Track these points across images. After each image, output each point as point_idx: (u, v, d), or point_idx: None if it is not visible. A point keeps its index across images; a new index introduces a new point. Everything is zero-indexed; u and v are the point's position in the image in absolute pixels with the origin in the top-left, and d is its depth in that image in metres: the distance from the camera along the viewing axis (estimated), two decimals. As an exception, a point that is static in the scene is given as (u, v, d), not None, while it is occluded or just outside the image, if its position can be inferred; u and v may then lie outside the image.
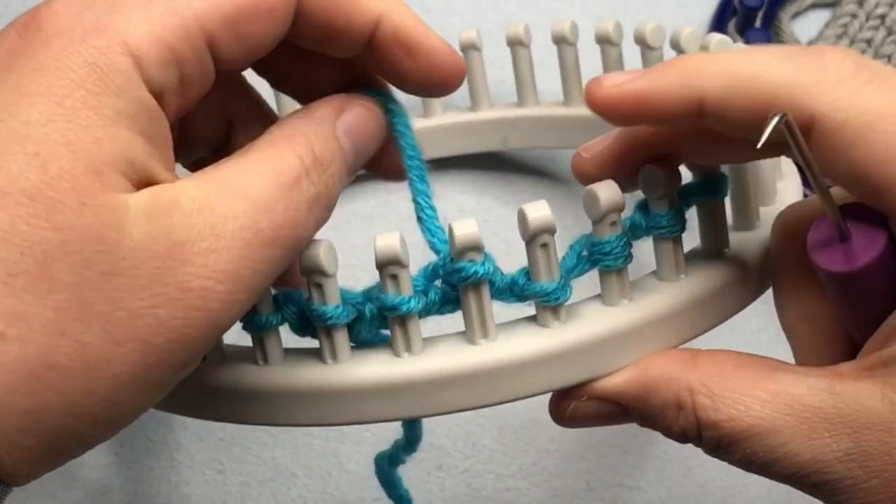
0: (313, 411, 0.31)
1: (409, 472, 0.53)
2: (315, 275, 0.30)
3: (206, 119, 0.35)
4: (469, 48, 0.54)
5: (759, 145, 0.28)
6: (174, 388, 0.28)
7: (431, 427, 0.54)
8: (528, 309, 0.32)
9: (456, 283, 0.31)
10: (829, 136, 0.28)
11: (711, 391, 0.30)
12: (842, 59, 0.29)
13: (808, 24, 0.60)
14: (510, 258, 0.32)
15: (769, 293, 0.35)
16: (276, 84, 0.36)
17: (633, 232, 0.32)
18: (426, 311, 0.31)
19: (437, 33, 0.32)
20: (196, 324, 0.27)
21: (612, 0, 0.61)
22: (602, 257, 0.31)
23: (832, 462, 0.29)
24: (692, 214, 0.34)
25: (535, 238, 0.30)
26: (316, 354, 0.32)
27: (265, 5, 0.29)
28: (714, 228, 0.34)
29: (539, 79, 0.54)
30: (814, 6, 0.61)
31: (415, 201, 0.34)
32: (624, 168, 0.32)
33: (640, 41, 0.49)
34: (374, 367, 0.31)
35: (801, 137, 0.28)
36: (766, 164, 0.36)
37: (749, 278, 0.34)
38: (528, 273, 0.31)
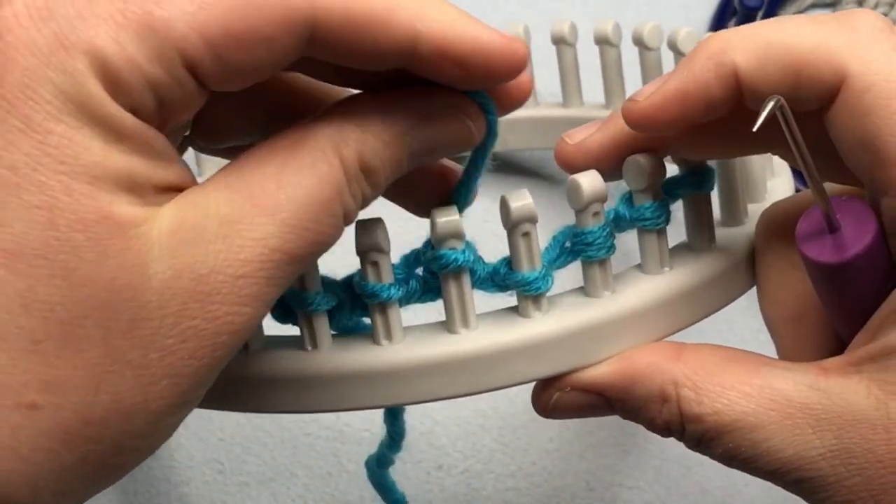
0: (291, 398, 0.31)
1: (409, 472, 0.53)
2: (372, 253, 0.30)
3: (232, 112, 0.32)
4: None
5: (754, 128, 0.28)
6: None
7: (431, 427, 0.54)
8: (511, 299, 0.32)
9: (436, 271, 0.31)
10: (854, 98, 0.28)
11: (696, 384, 0.30)
12: (873, 21, 0.29)
13: (807, 24, 0.60)
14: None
15: None
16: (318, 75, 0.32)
17: (617, 224, 0.32)
18: (406, 300, 0.31)
19: (483, 24, 0.28)
20: (223, 346, 0.26)
21: (611, 0, 0.61)
22: (585, 248, 0.31)
23: (815, 459, 0.29)
24: (680, 208, 0.34)
25: (516, 227, 0.30)
26: (295, 343, 0.31)
27: (262, 34, 0.26)
28: (700, 222, 0.34)
29: (538, 79, 0.54)
30: (814, 6, 0.61)
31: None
32: (609, 158, 0.32)
33: (638, 42, 0.49)
34: (354, 354, 0.31)
35: (795, 123, 0.28)
36: (756, 160, 0.36)
37: (735, 273, 0.34)
38: (509, 262, 0.31)
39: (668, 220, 0.32)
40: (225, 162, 0.29)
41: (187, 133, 0.33)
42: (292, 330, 0.32)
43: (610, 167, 0.32)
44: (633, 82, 0.52)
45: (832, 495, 0.29)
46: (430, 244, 0.31)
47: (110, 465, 0.26)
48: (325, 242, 0.27)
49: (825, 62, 0.28)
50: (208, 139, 0.33)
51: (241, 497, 0.54)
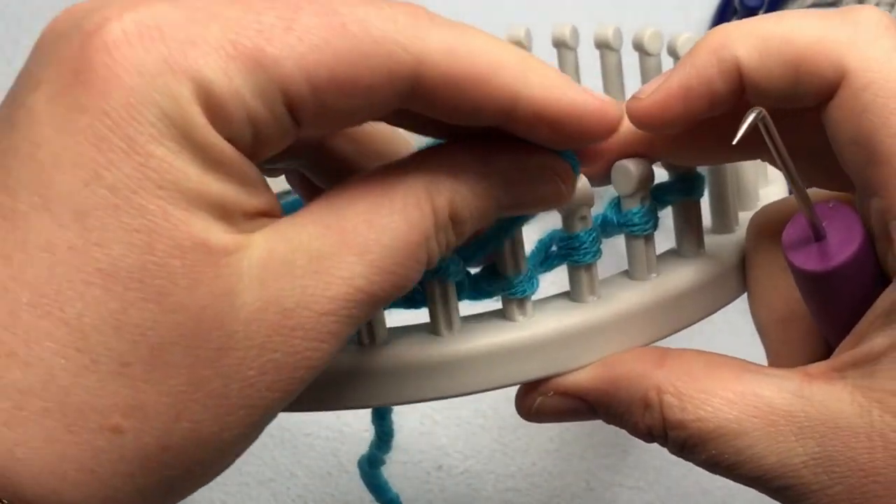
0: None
1: (409, 472, 0.53)
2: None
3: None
4: None
5: (734, 141, 0.27)
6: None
7: (431, 428, 0.54)
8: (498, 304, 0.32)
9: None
10: (853, 95, 0.28)
11: (679, 391, 0.30)
12: (877, 17, 0.28)
13: (808, 24, 0.60)
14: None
15: None
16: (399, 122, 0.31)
17: (605, 228, 0.32)
18: (393, 303, 0.31)
19: (579, 87, 0.28)
20: (300, 379, 0.26)
21: (612, 0, 0.61)
22: (571, 252, 0.31)
23: (797, 466, 0.29)
24: (669, 215, 0.34)
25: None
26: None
27: (365, 83, 0.25)
28: (688, 229, 0.34)
29: None
30: (814, 6, 0.61)
31: None
32: (598, 163, 0.32)
33: (639, 47, 0.49)
34: (345, 353, 0.31)
35: (777, 134, 0.28)
36: (748, 168, 0.36)
37: (724, 281, 0.34)
38: (494, 267, 0.31)
39: (655, 226, 0.32)
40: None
41: None
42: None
43: (599, 172, 0.32)
44: (633, 87, 0.52)
45: (815, 503, 0.29)
46: None
47: (175, 492, 0.26)
48: (405, 287, 0.27)
49: (825, 57, 0.28)
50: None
51: (241, 497, 0.54)
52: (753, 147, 0.29)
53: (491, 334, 0.31)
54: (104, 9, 0.25)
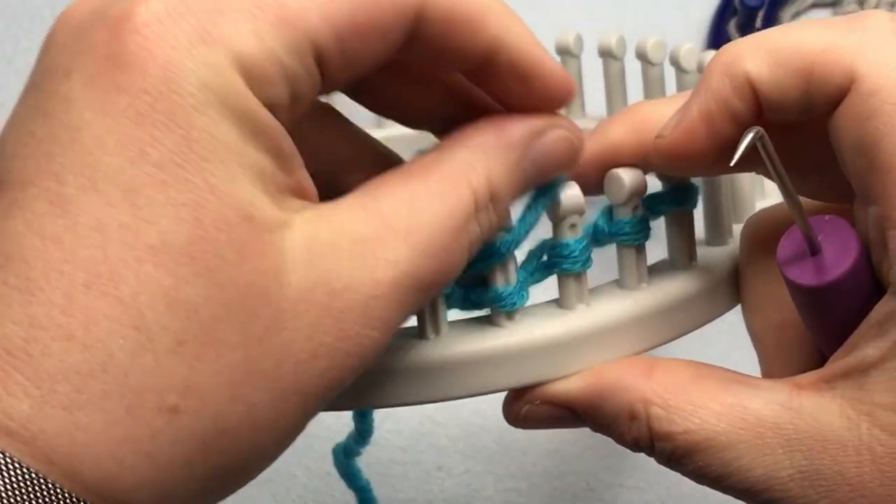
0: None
1: (409, 473, 0.53)
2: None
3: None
4: None
5: (731, 163, 0.27)
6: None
7: (431, 428, 0.54)
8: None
9: None
10: (861, 101, 0.27)
11: (667, 402, 0.30)
12: (885, 23, 0.28)
13: (808, 24, 0.60)
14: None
15: None
16: (373, 105, 0.33)
17: (596, 237, 0.32)
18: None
19: (549, 54, 0.29)
20: (350, 367, 0.26)
21: (612, 0, 0.61)
22: (560, 260, 0.31)
23: (784, 480, 0.28)
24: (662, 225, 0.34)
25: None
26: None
27: (381, 24, 0.26)
28: (680, 240, 0.33)
29: None
30: (814, 6, 0.61)
31: None
32: (592, 172, 0.32)
33: (642, 56, 0.49)
34: (479, 337, 0.31)
35: (775, 153, 0.28)
36: (745, 181, 0.36)
37: (715, 292, 0.33)
38: (485, 279, 0.31)
39: (647, 236, 0.32)
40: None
41: None
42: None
43: (592, 181, 0.32)
44: (635, 95, 0.52)
45: None
46: None
47: (230, 482, 0.26)
48: (450, 273, 0.27)
49: (835, 63, 0.28)
50: None
51: (241, 497, 0.54)
52: (750, 162, 0.29)
53: (478, 339, 0.31)
54: None
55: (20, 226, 0.24)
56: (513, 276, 0.31)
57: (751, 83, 0.29)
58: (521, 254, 0.32)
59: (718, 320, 0.34)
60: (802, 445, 0.28)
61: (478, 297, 0.31)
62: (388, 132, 0.45)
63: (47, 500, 0.22)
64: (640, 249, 0.32)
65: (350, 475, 0.42)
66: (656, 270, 0.33)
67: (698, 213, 0.34)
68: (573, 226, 0.31)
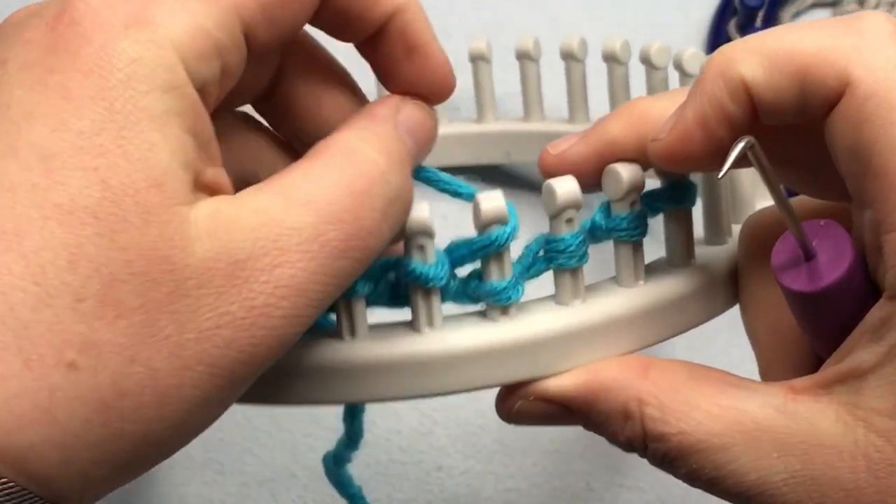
0: (338, 388, 0.31)
1: (409, 473, 0.53)
2: (419, 237, 0.30)
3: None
4: (478, 59, 0.53)
5: (720, 175, 0.28)
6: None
7: (431, 428, 0.54)
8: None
9: (403, 281, 0.31)
10: (855, 104, 0.27)
11: (662, 403, 0.30)
12: (881, 25, 0.28)
13: (808, 24, 0.60)
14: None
15: None
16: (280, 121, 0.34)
17: (593, 233, 0.32)
18: (374, 300, 0.31)
19: (440, 45, 0.31)
20: (262, 342, 0.26)
21: (612, 0, 0.61)
22: (557, 255, 0.31)
23: (778, 484, 0.28)
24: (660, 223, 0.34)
25: (486, 229, 0.30)
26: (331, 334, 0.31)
27: None
28: (678, 238, 0.33)
29: (545, 93, 0.54)
30: (814, 6, 0.61)
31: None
32: (590, 169, 0.32)
33: (645, 60, 0.49)
34: (316, 346, 0.30)
35: (767, 161, 0.28)
36: (744, 180, 0.36)
37: (713, 291, 0.33)
38: (480, 274, 0.31)
39: (644, 233, 0.32)
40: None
41: None
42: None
43: (591, 178, 0.32)
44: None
45: None
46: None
47: (136, 456, 0.26)
48: (366, 238, 0.27)
49: (830, 66, 0.28)
50: None
51: (240, 497, 0.54)
52: (747, 160, 0.29)
53: (472, 334, 0.31)
54: None
55: None
56: (508, 270, 0.31)
57: (746, 86, 0.28)
58: (515, 250, 0.32)
59: (720, 319, 0.34)
60: (797, 450, 0.28)
61: (473, 291, 0.31)
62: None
63: None
64: (638, 246, 0.32)
65: (341, 483, 0.42)
66: (654, 268, 0.33)
67: (697, 213, 0.34)
68: (570, 220, 0.31)
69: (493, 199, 0.30)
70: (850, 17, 0.29)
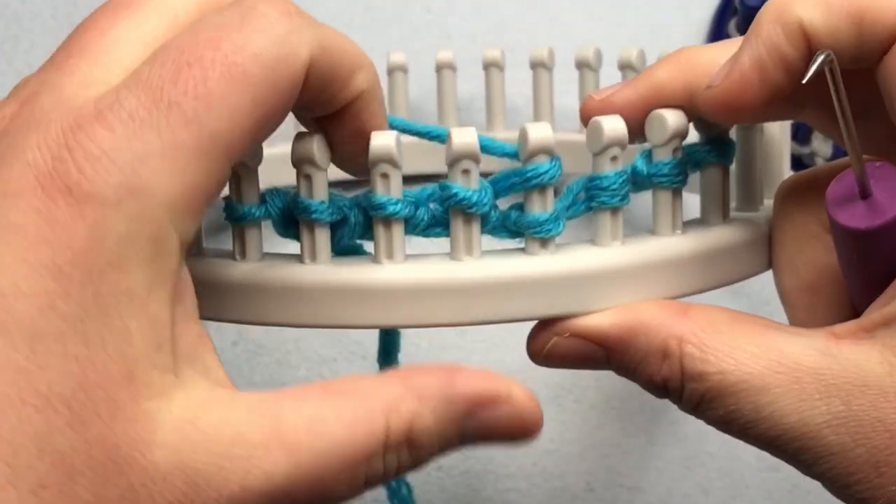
0: (287, 310, 0.31)
1: (409, 473, 0.53)
2: (305, 165, 0.30)
3: None
4: (491, 66, 0.53)
5: (804, 80, 0.27)
6: None
7: (431, 427, 0.54)
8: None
9: (446, 206, 0.31)
10: None
11: (702, 342, 0.29)
12: None
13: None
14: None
15: None
16: None
17: (634, 179, 0.32)
18: (413, 227, 0.31)
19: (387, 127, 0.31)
20: None
21: (612, 0, 0.61)
22: (599, 193, 0.31)
23: (819, 426, 0.28)
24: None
25: (531, 159, 0.30)
26: (295, 256, 0.31)
27: (283, 109, 0.27)
28: (715, 195, 0.33)
29: (557, 102, 0.54)
30: (814, 6, 0.61)
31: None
32: (635, 115, 0.31)
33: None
34: (351, 270, 0.30)
35: (841, 80, 0.27)
36: (775, 156, 0.36)
37: (747, 251, 0.33)
38: (521, 206, 0.31)
39: (684, 181, 0.32)
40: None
41: None
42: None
43: (636, 124, 0.31)
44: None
45: (832, 467, 0.28)
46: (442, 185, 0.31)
47: None
48: (332, 499, 0.26)
49: (887, 6, 0.27)
50: None
51: (240, 497, 0.54)
52: (801, 103, 0.28)
53: (510, 264, 0.30)
54: (47, 150, 0.25)
55: None
56: (550, 203, 0.31)
57: (803, 29, 0.28)
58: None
59: (738, 292, 0.34)
60: (840, 391, 0.28)
61: (514, 223, 0.31)
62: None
63: None
64: (677, 194, 0.32)
65: None
66: (689, 225, 0.33)
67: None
68: (614, 158, 0.31)
69: (540, 129, 0.30)
70: None
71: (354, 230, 0.31)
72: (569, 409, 0.54)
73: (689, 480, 0.54)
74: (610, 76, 0.50)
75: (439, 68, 0.53)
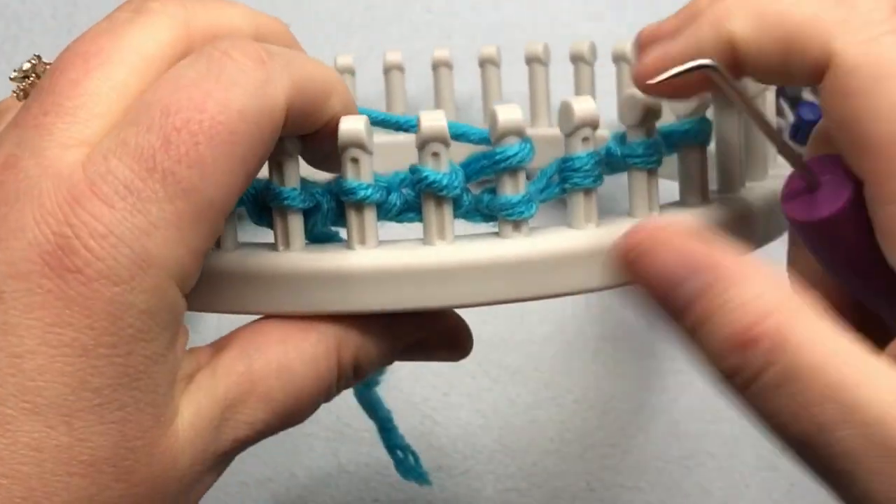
0: (262, 298, 0.31)
1: (409, 473, 0.53)
2: (275, 154, 0.30)
3: None
4: (487, 62, 0.53)
5: (655, 80, 0.28)
6: None
7: (431, 428, 0.54)
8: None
9: (417, 190, 0.31)
10: (840, 78, 0.27)
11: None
12: (874, 2, 0.28)
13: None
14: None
15: None
16: None
17: (608, 161, 0.31)
18: (385, 213, 0.31)
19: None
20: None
21: (611, 0, 0.61)
22: (571, 174, 0.31)
23: None
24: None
25: (501, 140, 0.30)
26: (269, 244, 0.31)
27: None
28: (693, 176, 0.33)
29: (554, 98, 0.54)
30: None
31: None
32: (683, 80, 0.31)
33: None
34: (324, 256, 0.30)
35: (738, 85, 0.28)
36: (756, 136, 0.36)
37: (725, 233, 0.32)
38: (494, 190, 0.31)
39: (659, 162, 0.32)
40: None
41: None
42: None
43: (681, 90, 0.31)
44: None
45: (871, 490, 0.25)
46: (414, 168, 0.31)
47: None
48: (298, 422, 0.31)
49: (815, 37, 0.27)
50: None
51: (241, 497, 0.54)
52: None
53: (483, 248, 0.30)
54: (54, 223, 0.26)
55: None
56: (522, 186, 0.30)
57: (733, 42, 0.28)
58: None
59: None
60: None
61: (486, 206, 0.31)
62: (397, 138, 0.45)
63: None
64: (653, 175, 0.32)
65: (372, 404, 0.42)
66: (667, 208, 0.33)
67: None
68: (585, 139, 0.31)
69: (509, 111, 0.30)
70: None
71: (327, 216, 0.31)
72: (569, 409, 0.54)
73: (690, 481, 0.54)
74: (605, 70, 0.50)
75: (436, 66, 0.53)
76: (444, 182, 0.30)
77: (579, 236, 0.31)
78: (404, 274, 0.30)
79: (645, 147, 0.31)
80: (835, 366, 0.25)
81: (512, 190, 0.30)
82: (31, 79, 0.33)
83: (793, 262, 0.33)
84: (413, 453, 0.44)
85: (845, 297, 0.31)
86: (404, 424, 0.52)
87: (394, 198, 0.31)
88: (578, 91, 0.52)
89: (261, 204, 0.31)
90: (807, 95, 0.55)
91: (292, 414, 0.30)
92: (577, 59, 0.51)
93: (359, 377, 0.32)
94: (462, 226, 0.32)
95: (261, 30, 0.31)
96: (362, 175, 0.30)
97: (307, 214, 0.31)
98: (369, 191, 0.30)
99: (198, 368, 0.29)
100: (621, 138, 0.32)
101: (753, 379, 0.25)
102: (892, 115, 0.26)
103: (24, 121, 0.27)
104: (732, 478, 0.53)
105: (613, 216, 0.32)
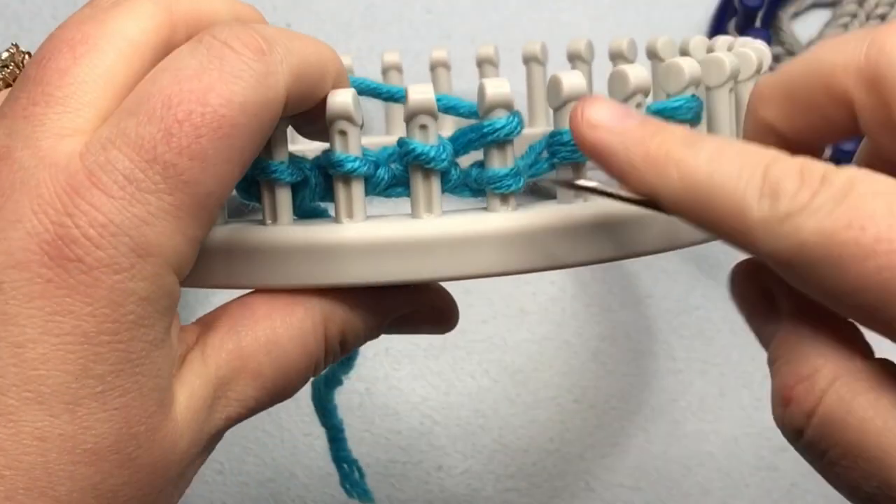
0: (251, 273, 0.31)
1: (409, 473, 0.53)
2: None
3: None
4: (485, 63, 0.53)
5: (575, 182, 0.29)
6: None
7: (431, 428, 0.54)
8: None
9: (405, 163, 0.31)
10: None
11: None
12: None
13: (808, 24, 0.60)
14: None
15: None
16: None
17: None
18: (374, 188, 0.31)
19: None
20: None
21: (612, 0, 0.61)
22: (559, 148, 0.31)
23: None
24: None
25: (489, 113, 0.30)
26: (258, 220, 0.31)
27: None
28: None
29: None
30: (814, 6, 0.61)
31: None
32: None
33: (653, 55, 0.49)
34: (311, 230, 0.30)
35: (615, 190, 0.28)
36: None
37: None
38: (482, 164, 0.31)
39: None
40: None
41: None
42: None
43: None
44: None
45: None
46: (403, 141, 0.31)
47: None
48: (287, 398, 0.31)
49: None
50: None
51: (241, 497, 0.54)
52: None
53: (470, 221, 0.30)
54: (51, 216, 0.26)
55: None
56: (510, 159, 0.30)
57: (771, 128, 0.29)
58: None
59: (720, 319, 0.34)
60: None
61: (474, 179, 0.31)
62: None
63: None
64: None
65: (325, 410, 0.41)
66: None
67: None
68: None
69: (497, 84, 0.30)
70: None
71: (315, 191, 0.31)
72: (569, 409, 0.54)
73: (690, 481, 0.54)
74: (603, 69, 0.50)
75: (434, 67, 0.53)
76: (432, 154, 0.30)
77: (567, 210, 0.31)
78: (392, 247, 0.30)
79: None
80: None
81: (500, 163, 0.30)
82: (11, 67, 0.33)
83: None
84: (359, 469, 0.44)
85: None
86: (404, 424, 0.52)
87: (382, 172, 0.31)
88: None
89: (249, 178, 0.31)
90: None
91: (282, 389, 0.30)
92: (574, 57, 0.52)
93: (345, 351, 0.32)
94: (455, 203, 0.32)
95: (239, 17, 0.31)
96: (350, 148, 0.30)
97: (295, 189, 0.31)
98: (357, 163, 0.30)
99: (187, 349, 0.29)
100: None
101: None
102: None
103: (12, 111, 0.27)
104: (732, 478, 0.53)
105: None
